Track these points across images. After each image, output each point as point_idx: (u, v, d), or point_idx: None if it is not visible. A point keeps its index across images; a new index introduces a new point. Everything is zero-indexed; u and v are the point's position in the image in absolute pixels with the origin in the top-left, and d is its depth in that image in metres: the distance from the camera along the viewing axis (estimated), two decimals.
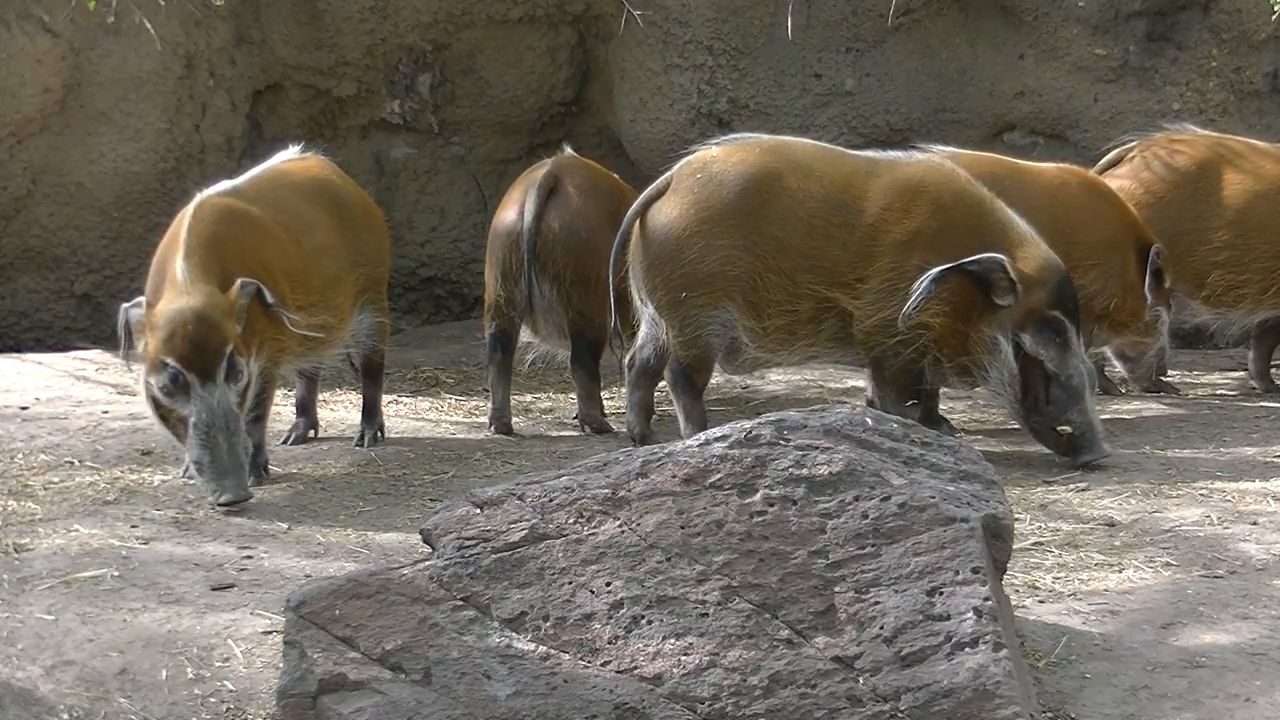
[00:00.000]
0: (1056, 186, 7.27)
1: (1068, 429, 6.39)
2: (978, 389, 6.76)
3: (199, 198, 6.12)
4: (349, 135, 9.95)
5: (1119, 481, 6.10)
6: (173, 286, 5.79)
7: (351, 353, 6.90)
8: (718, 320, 6.48)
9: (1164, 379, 7.85)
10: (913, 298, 6.32)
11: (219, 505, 5.64)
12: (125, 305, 5.92)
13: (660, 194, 6.58)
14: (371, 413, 6.90)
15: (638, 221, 6.60)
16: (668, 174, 6.65)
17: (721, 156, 6.56)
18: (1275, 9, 8.20)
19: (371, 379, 6.92)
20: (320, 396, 7.75)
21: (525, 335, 7.36)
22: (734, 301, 6.45)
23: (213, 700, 4.29)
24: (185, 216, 5.99)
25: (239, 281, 5.80)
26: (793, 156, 6.56)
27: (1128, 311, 7.28)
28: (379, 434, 6.87)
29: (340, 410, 7.61)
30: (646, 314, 6.60)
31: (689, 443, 4.34)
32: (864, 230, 6.42)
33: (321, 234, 6.45)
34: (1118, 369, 7.79)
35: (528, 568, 4.14)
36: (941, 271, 6.30)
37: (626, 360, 6.83)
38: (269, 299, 5.86)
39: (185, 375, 5.67)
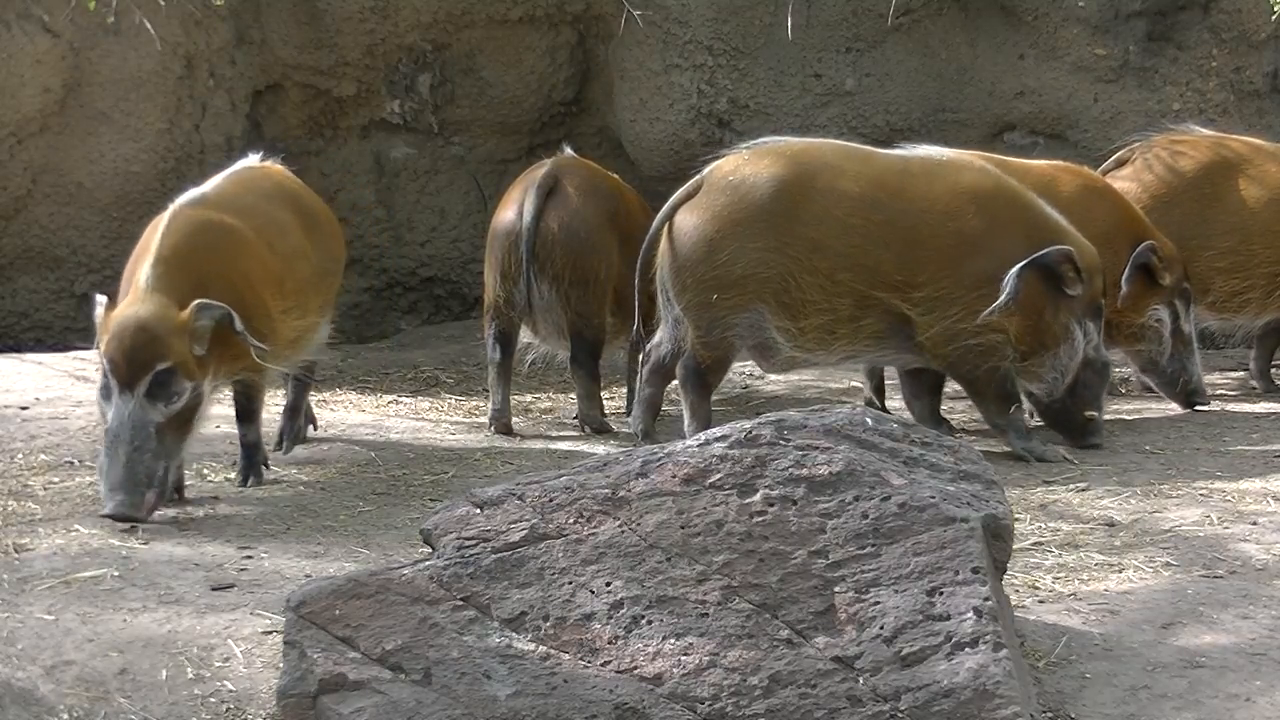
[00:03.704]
0: (1045, 183, 7.23)
1: (1094, 414, 6.52)
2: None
3: (173, 207, 5.99)
4: (349, 135, 9.95)
5: (1119, 481, 6.10)
6: (134, 292, 5.70)
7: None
8: (746, 322, 6.46)
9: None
10: (1000, 299, 6.36)
11: (101, 516, 5.50)
12: (99, 298, 5.83)
13: (690, 196, 6.56)
14: (294, 413, 6.69)
15: (667, 224, 6.58)
16: (698, 176, 6.63)
17: (753, 160, 6.55)
18: (1275, 9, 8.20)
19: (301, 386, 6.69)
20: (321, 396, 7.76)
21: (525, 335, 7.36)
22: (765, 303, 6.44)
23: (213, 700, 4.29)
24: (159, 225, 5.88)
25: (195, 303, 5.63)
26: (824, 158, 6.56)
27: (1112, 309, 7.24)
28: (299, 435, 6.68)
29: (340, 410, 7.61)
30: (671, 314, 6.59)
31: (689, 443, 4.34)
32: (905, 230, 6.42)
33: (293, 238, 6.34)
34: (1124, 371, 7.74)
35: (528, 568, 4.14)
36: (1021, 268, 6.35)
37: (641, 357, 6.82)
38: (238, 327, 5.67)
39: (110, 380, 5.59)
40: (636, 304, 6.73)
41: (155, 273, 5.68)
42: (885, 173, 6.53)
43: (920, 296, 6.42)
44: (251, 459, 6.11)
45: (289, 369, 6.44)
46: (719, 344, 6.51)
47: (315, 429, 6.96)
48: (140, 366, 5.55)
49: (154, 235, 5.85)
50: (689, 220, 6.53)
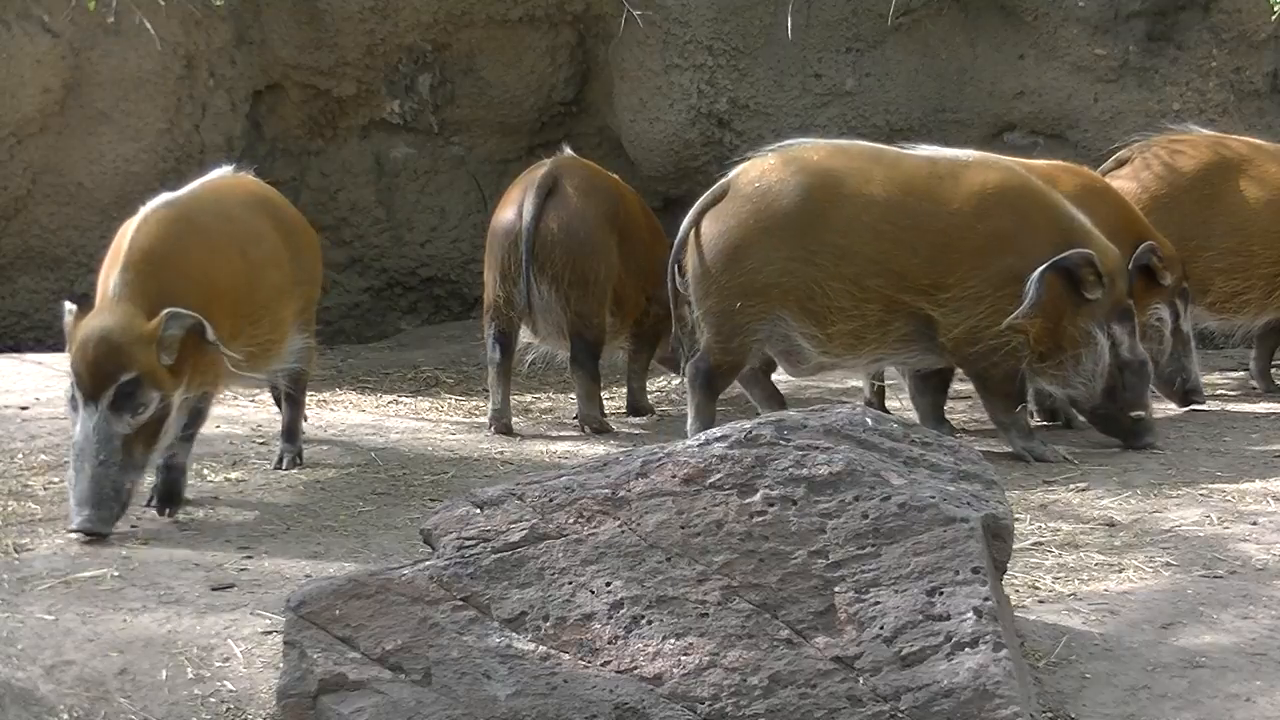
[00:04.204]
0: (1045, 183, 7.20)
1: (1141, 414, 6.51)
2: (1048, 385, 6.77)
3: (144, 210, 5.84)
4: (349, 135, 9.95)
5: (1119, 481, 6.10)
6: (101, 299, 5.60)
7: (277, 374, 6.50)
8: (766, 330, 6.43)
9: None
10: (1024, 302, 6.34)
11: (68, 531, 5.37)
12: (68, 305, 5.70)
13: (716, 201, 6.50)
14: (291, 435, 6.55)
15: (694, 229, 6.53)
16: (723, 180, 6.57)
17: (779, 166, 6.47)
18: (1275, 9, 8.19)
19: (293, 402, 6.57)
20: (321, 396, 7.76)
21: (525, 335, 7.36)
22: (789, 310, 6.39)
23: (213, 700, 4.29)
24: (129, 229, 5.75)
25: (165, 312, 5.47)
26: (851, 163, 6.49)
27: None
28: (298, 458, 6.50)
29: (340, 410, 7.61)
30: (696, 317, 6.56)
31: (689, 443, 4.34)
32: (935, 234, 6.39)
33: (267, 246, 6.20)
34: None
35: (528, 568, 4.14)
36: (1043, 271, 6.33)
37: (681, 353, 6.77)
38: (209, 336, 5.52)
39: (75, 392, 5.45)
40: (674, 308, 6.69)
41: (123, 279, 5.56)
42: (914, 176, 6.47)
43: (947, 298, 6.39)
44: (175, 485, 5.78)
45: (264, 379, 6.35)
46: (737, 350, 6.49)
47: (305, 420, 6.89)
48: (104, 378, 5.40)
49: (124, 239, 5.72)
50: (715, 227, 6.47)
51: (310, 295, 6.55)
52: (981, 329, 6.39)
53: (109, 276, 5.65)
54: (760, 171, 6.49)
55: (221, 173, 6.47)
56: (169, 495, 5.74)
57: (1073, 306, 6.45)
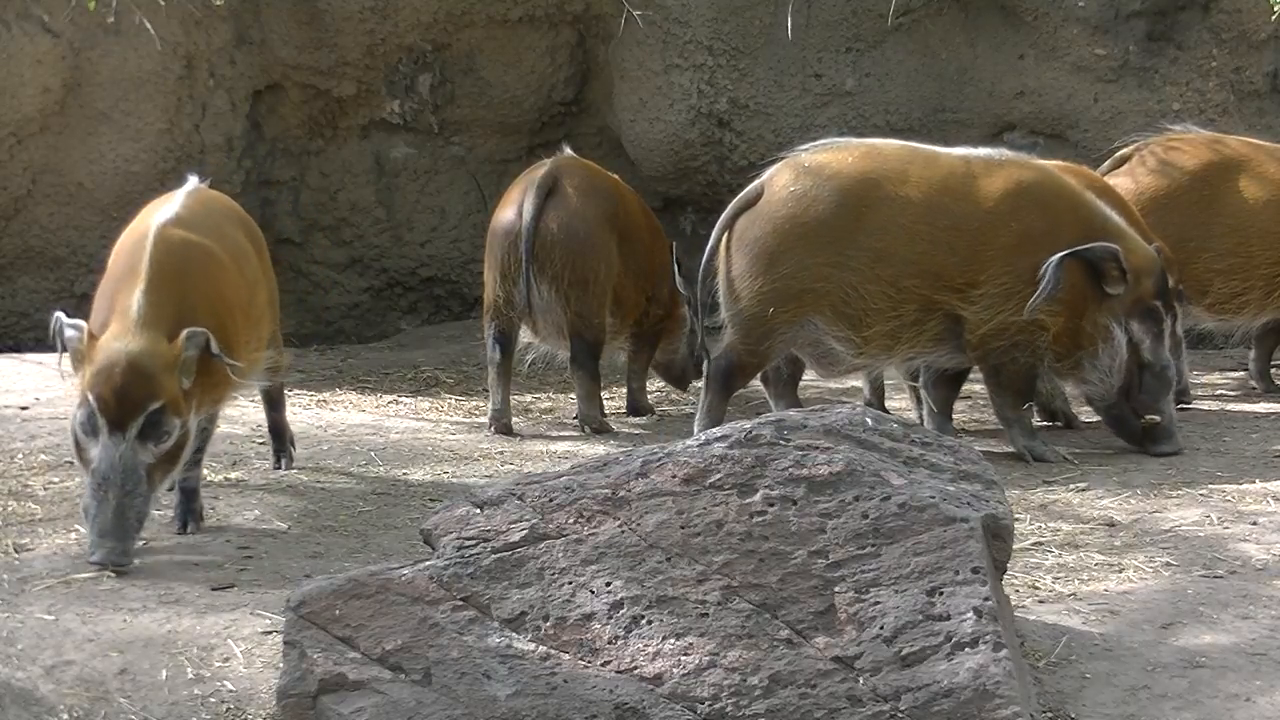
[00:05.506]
0: None
1: (1156, 419, 6.49)
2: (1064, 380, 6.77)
3: (155, 227, 5.57)
4: (349, 135, 9.95)
5: (1119, 481, 6.10)
6: (122, 321, 5.34)
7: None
8: (794, 333, 6.43)
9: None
10: (1041, 289, 6.33)
11: (90, 563, 5.18)
12: (63, 319, 5.42)
13: (750, 204, 6.48)
14: (280, 433, 6.52)
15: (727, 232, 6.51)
16: (757, 183, 6.53)
17: (814, 169, 6.44)
18: (1275, 9, 8.19)
19: (273, 403, 6.51)
20: (320, 396, 7.76)
21: (525, 335, 7.36)
22: (822, 315, 6.39)
23: (213, 700, 4.29)
24: (145, 246, 5.49)
25: (186, 332, 5.30)
26: (886, 164, 6.46)
27: None
28: (291, 445, 6.51)
29: (340, 410, 7.61)
30: (724, 318, 6.56)
31: (689, 443, 4.34)
32: (970, 234, 6.39)
33: (253, 263, 6.08)
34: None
35: (528, 568, 4.14)
36: (1062, 258, 6.32)
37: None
38: (214, 349, 5.34)
39: (98, 418, 5.22)
40: (700, 312, 6.67)
41: (146, 301, 5.34)
42: (949, 176, 6.45)
43: (979, 294, 6.38)
44: (192, 505, 5.70)
45: (248, 394, 6.29)
46: (764, 353, 6.49)
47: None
48: (133, 407, 5.21)
49: (141, 257, 5.49)
50: (749, 231, 6.45)
51: (275, 314, 6.38)
52: (1009, 325, 6.38)
53: (128, 296, 5.40)
54: (794, 175, 6.45)
55: (195, 186, 6.16)
56: (189, 514, 5.65)
57: (1095, 301, 6.45)
